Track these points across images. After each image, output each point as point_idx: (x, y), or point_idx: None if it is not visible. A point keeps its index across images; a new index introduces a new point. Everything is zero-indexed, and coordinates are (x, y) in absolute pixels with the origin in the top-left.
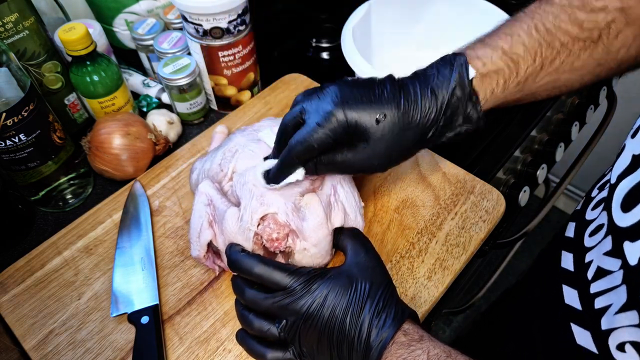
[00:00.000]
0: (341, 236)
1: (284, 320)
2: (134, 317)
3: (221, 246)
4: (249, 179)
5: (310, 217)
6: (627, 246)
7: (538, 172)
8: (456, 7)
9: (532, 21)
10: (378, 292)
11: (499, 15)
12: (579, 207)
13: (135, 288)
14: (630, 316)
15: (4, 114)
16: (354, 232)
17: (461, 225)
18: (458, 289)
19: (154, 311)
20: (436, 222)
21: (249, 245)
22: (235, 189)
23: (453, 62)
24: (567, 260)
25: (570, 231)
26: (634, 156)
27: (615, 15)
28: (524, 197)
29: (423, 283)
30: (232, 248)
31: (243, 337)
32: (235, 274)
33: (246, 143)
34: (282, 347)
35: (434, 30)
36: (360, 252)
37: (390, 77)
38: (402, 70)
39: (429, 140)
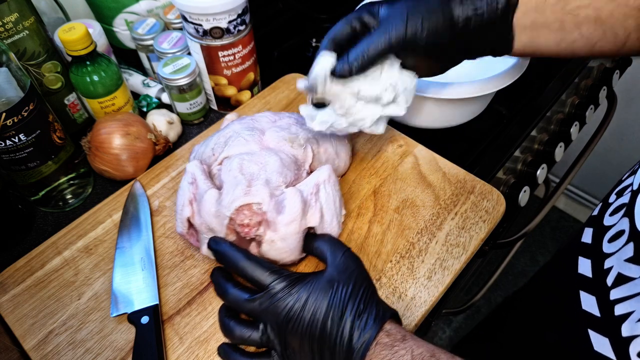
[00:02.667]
0: (316, 243)
1: (266, 324)
2: (134, 317)
3: (198, 225)
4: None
5: (286, 211)
6: None
7: (538, 172)
8: None
9: None
10: (359, 294)
11: None
12: (595, 213)
13: (135, 288)
14: None
15: (3, 114)
16: (329, 237)
17: (461, 225)
18: (458, 289)
19: (154, 311)
20: (436, 222)
21: (222, 229)
22: (221, 173)
23: None
24: (585, 266)
25: (587, 237)
26: None
27: None
28: (524, 197)
29: (423, 283)
30: (219, 239)
31: (226, 352)
32: (214, 271)
33: (240, 131)
34: (266, 357)
35: None
36: (338, 255)
37: None
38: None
39: (456, 13)
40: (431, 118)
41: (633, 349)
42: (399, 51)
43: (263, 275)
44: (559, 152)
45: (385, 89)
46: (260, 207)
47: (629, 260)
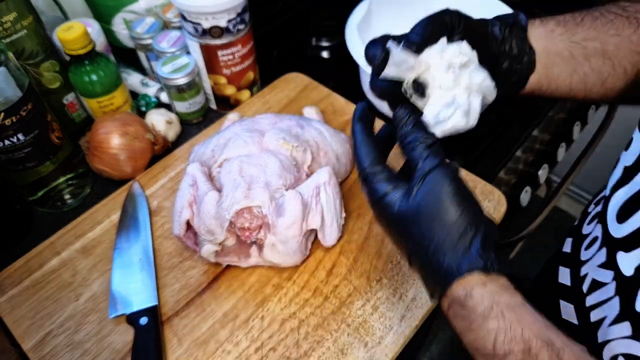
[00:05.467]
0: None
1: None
2: (132, 318)
3: (197, 227)
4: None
5: (286, 214)
6: (621, 257)
7: (539, 172)
8: (457, 4)
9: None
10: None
11: (503, 10)
12: (576, 223)
13: (133, 289)
14: (624, 328)
15: (2, 114)
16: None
17: None
18: None
19: (152, 312)
20: None
21: (221, 232)
22: (220, 175)
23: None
24: (565, 275)
25: (567, 247)
26: (625, 168)
27: None
28: (525, 197)
29: None
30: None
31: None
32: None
33: (240, 132)
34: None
35: None
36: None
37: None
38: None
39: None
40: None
41: (606, 354)
42: None
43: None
44: (560, 152)
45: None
46: (261, 210)
47: (601, 265)
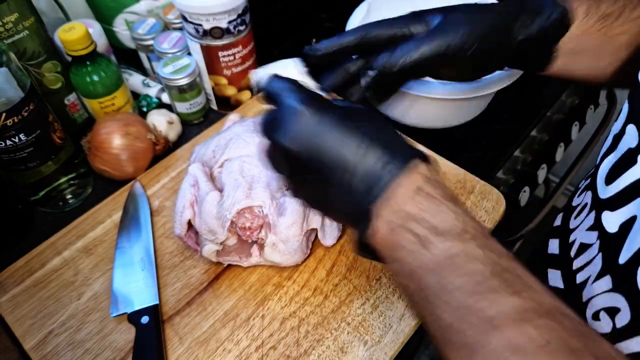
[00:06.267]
0: None
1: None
2: (133, 317)
3: (198, 227)
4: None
5: (287, 214)
6: (606, 215)
7: (538, 172)
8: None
9: None
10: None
11: None
12: (566, 200)
13: (135, 288)
14: (604, 282)
15: (3, 114)
16: None
17: None
18: None
19: (154, 311)
20: None
21: (222, 232)
22: (221, 176)
23: None
24: (554, 246)
25: (558, 221)
26: (614, 136)
27: None
28: (524, 197)
29: None
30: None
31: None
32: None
33: (241, 133)
34: None
35: None
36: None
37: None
38: None
39: (516, 31)
40: (431, 118)
41: (589, 312)
42: (443, 59)
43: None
44: (559, 152)
45: None
46: (262, 209)
47: (589, 229)
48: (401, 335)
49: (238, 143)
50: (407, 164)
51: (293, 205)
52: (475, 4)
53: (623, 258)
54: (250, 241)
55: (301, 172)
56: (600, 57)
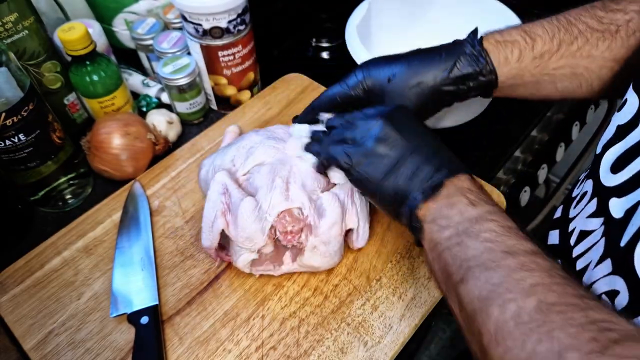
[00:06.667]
0: None
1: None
2: (133, 318)
3: (234, 236)
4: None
5: (327, 214)
6: (613, 202)
7: (538, 172)
8: (456, 4)
9: (556, 15)
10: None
11: (502, 11)
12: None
13: (134, 288)
14: (605, 266)
15: (3, 114)
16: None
17: None
18: None
19: (153, 311)
20: None
21: (262, 237)
22: (253, 179)
23: (467, 35)
24: (554, 237)
25: (558, 213)
26: (618, 126)
27: (633, 16)
28: (524, 197)
29: (423, 283)
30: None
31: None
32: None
33: (262, 141)
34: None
35: (435, 27)
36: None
37: (415, 49)
38: None
39: (447, 94)
40: (431, 118)
41: None
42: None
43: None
44: (559, 152)
45: None
46: (301, 211)
47: (590, 215)
48: (401, 335)
49: (265, 149)
50: (464, 169)
51: (332, 206)
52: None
53: (624, 241)
54: (289, 246)
55: (390, 150)
56: (541, 88)
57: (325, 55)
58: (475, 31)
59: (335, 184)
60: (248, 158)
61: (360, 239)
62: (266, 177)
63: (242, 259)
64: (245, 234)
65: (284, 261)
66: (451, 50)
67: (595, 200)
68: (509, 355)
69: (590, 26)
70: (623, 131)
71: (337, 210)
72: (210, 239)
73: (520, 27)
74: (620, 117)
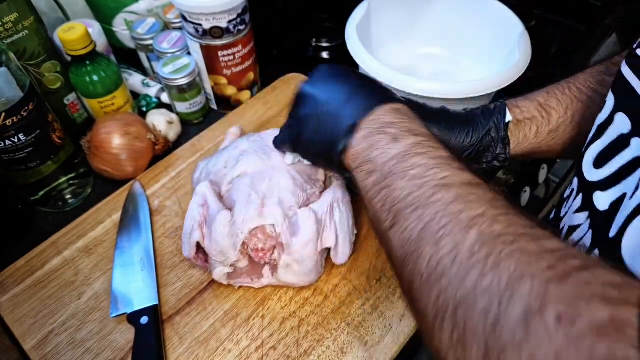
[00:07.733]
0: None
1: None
2: (133, 318)
3: (208, 248)
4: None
5: (301, 232)
6: (598, 195)
7: (539, 172)
8: (456, 5)
9: (567, 83)
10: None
11: (502, 11)
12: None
13: (134, 288)
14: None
15: (3, 114)
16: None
17: None
18: None
19: (153, 311)
20: None
21: (234, 253)
22: (233, 192)
23: (495, 107)
24: None
25: (552, 214)
26: (599, 125)
27: None
28: (524, 197)
29: None
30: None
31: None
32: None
33: (252, 149)
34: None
35: (435, 27)
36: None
37: (443, 109)
38: (405, 65)
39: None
40: None
41: None
42: None
43: None
44: None
45: None
46: (274, 229)
47: (577, 211)
48: (401, 335)
49: (249, 159)
50: (392, 101)
51: (306, 224)
52: None
53: (613, 231)
54: (262, 263)
55: (310, 109)
56: (552, 152)
57: (325, 55)
58: (504, 109)
59: (314, 201)
60: (235, 166)
61: (340, 256)
62: (244, 191)
63: (217, 272)
64: (218, 248)
65: (264, 274)
66: (478, 128)
67: (580, 196)
68: (444, 296)
69: (599, 92)
70: (603, 128)
71: (312, 228)
72: (188, 250)
73: (536, 99)
74: (600, 117)
